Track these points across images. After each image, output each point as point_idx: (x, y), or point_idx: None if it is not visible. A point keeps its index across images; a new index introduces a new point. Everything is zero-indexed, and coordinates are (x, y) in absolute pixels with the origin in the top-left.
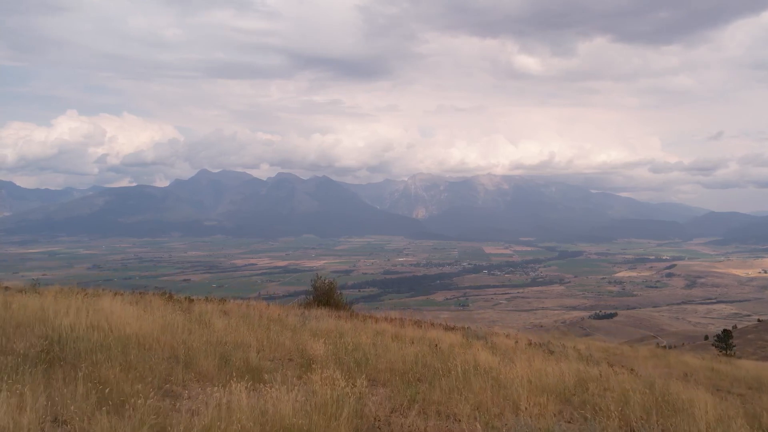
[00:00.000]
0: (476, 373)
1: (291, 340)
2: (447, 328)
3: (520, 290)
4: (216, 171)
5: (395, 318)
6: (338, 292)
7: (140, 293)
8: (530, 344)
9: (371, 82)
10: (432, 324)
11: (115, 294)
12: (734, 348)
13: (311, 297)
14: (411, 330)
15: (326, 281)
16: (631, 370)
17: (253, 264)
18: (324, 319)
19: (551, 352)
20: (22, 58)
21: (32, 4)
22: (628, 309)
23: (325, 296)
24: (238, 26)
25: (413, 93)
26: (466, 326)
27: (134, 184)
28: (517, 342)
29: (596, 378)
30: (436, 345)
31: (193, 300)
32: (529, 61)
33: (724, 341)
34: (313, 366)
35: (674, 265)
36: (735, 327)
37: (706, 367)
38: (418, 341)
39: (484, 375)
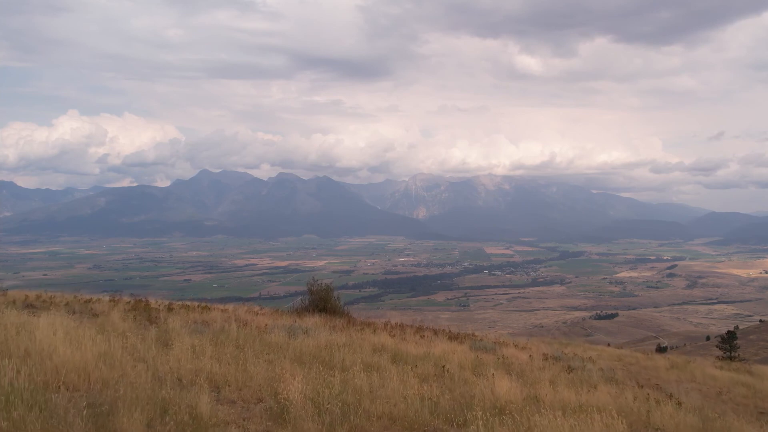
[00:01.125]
0: (501, 422)
1: (266, 371)
2: (452, 338)
3: (521, 290)
4: (217, 171)
5: (396, 325)
6: (335, 297)
7: (114, 300)
8: (546, 358)
9: (373, 83)
10: (435, 332)
11: (86, 301)
12: (738, 349)
13: (307, 301)
14: (413, 345)
15: (323, 285)
16: (671, 396)
17: (254, 264)
18: (316, 331)
19: (570, 369)
20: (24, 59)
21: (35, 4)
22: (629, 309)
23: (321, 301)
24: (240, 27)
25: (415, 93)
26: (471, 333)
27: (135, 184)
28: (531, 356)
29: (640, 415)
30: (443, 366)
31: (173, 308)
32: (530, 62)
33: (728, 343)
34: (285, 416)
35: (675, 266)
36: (737, 328)
37: (737, 382)
38: (422, 360)
39: (511, 424)
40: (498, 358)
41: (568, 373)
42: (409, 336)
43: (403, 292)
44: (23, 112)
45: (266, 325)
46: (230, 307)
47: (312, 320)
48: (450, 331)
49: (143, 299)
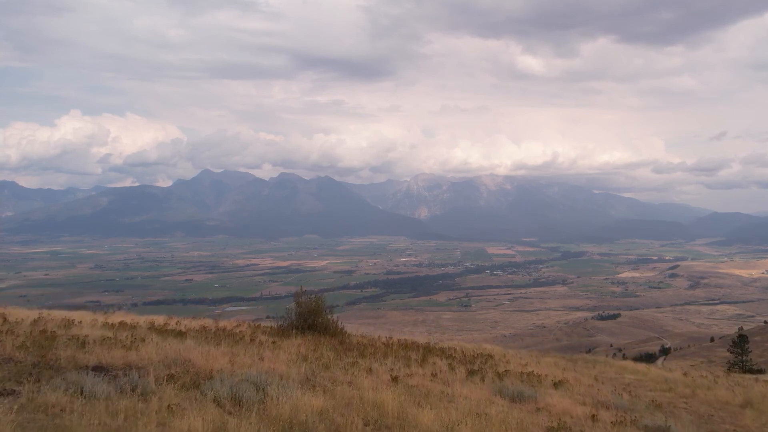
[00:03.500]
0: None
1: None
2: (470, 371)
3: (523, 291)
4: (218, 171)
5: (399, 347)
6: (326, 311)
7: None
8: (616, 423)
9: (374, 83)
10: (450, 360)
11: None
12: (750, 353)
13: (293, 314)
14: (425, 399)
15: (312, 298)
16: None
17: (255, 264)
18: (282, 384)
19: None
20: (26, 59)
21: (35, 4)
22: (631, 310)
23: (310, 316)
24: (241, 27)
25: (416, 93)
26: (488, 354)
27: (137, 184)
28: (594, 417)
29: None
30: None
31: (87, 344)
32: (532, 62)
33: (740, 347)
34: None
35: (677, 266)
36: (741, 329)
37: None
38: None
39: None
40: (550, 424)
41: None
42: (415, 371)
43: (404, 292)
44: (24, 112)
45: (212, 371)
46: (196, 324)
47: (292, 346)
48: (463, 353)
49: (67, 321)
